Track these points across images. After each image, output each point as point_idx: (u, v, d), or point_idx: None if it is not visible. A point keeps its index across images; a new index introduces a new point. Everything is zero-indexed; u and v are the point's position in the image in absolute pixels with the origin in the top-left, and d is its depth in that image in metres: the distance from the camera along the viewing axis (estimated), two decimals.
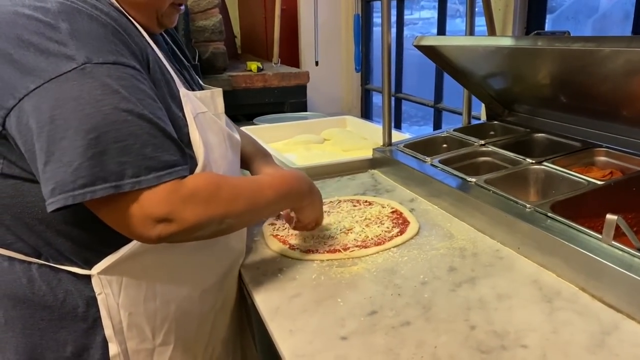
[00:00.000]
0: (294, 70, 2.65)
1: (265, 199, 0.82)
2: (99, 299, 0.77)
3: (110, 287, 0.77)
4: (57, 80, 0.63)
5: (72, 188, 0.62)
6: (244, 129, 1.29)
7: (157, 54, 0.79)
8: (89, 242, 0.76)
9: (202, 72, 1.08)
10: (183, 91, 0.80)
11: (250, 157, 1.09)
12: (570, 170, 1.11)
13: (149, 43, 0.78)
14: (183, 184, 0.69)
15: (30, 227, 0.74)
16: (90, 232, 0.75)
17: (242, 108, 2.43)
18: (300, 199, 0.91)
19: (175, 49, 0.96)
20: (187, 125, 0.78)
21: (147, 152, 0.66)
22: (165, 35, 0.94)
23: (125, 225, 0.68)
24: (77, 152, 0.62)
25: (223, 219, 0.73)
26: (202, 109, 0.83)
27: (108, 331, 0.79)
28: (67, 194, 0.62)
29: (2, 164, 0.71)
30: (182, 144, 0.73)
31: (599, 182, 1.02)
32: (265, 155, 1.13)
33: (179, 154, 0.71)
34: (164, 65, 0.80)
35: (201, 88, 0.95)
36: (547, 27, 1.78)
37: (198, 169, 0.77)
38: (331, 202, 1.22)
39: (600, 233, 0.82)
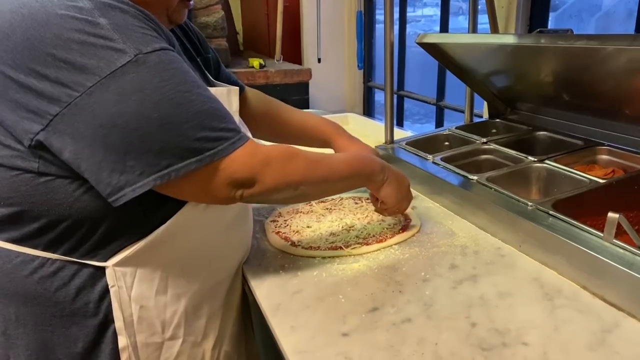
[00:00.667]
0: (296, 67, 2.64)
1: (339, 173, 0.88)
2: (112, 291, 0.78)
3: (123, 279, 0.78)
4: (114, 75, 0.64)
5: (158, 169, 0.67)
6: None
7: (177, 45, 0.81)
8: (111, 236, 0.76)
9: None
10: None
11: (330, 136, 1.14)
12: (572, 168, 1.11)
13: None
14: (258, 149, 0.75)
15: (53, 223, 0.74)
16: (115, 226, 0.75)
17: None
18: (369, 179, 0.95)
19: (187, 44, 0.96)
20: None
21: (216, 124, 0.71)
22: (176, 31, 0.94)
23: (206, 194, 0.74)
24: (154, 139, 0.66)
25: (298, 185, 0.79)
26: None
27: (118, 324, 0.79)
28: (155, 175, 0.67)
29: (38, 162, 0.70)
30: None
31: (600, 181, 1.02)
32: (344, 133, 1.17)
33: (236, 122, 0.75)
34: (184, 56, 0.81)
35: (211, 84, 0.95)
36: (550, 25, 1.77)
37: None
38: (333, 199, 1.22)
39: (602, 231, 0.82)
